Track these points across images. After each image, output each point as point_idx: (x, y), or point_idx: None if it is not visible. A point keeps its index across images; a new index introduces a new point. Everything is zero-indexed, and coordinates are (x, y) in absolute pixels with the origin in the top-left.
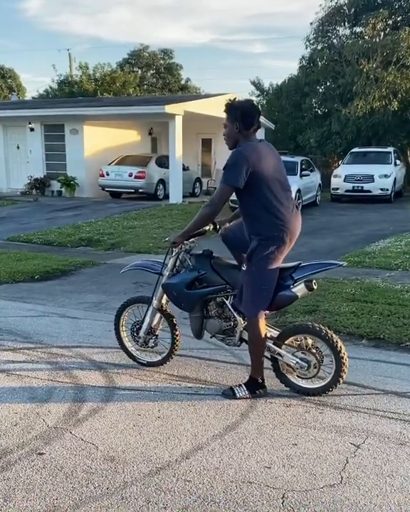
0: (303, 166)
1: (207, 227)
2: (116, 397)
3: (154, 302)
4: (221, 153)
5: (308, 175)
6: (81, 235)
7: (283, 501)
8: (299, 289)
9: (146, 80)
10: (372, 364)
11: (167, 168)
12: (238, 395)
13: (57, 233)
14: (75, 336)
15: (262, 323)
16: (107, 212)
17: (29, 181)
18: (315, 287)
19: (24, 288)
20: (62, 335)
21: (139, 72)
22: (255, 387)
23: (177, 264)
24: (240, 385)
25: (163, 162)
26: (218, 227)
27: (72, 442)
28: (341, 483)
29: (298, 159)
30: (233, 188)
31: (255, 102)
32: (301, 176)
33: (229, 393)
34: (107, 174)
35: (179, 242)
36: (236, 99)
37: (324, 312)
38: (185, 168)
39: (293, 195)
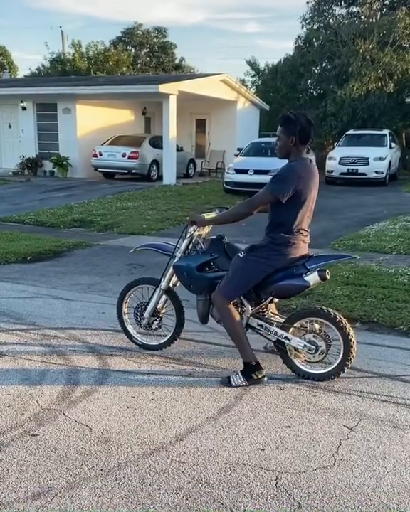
0: None
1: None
2: (110, 380)
3: (163, 283)
4: (215, 134)
5: None
6: (74, 216)
7: (277, 483)
8: (311, 278)
9: (140, 59)
10: (366, 347)
11: (161, 148)
12: (233, 383)
13: (49, 214)
14: (68, 318)
15: (231, 307)
16: (100, 193)
17: (21, 161)
18: (328, 277)
19: (16, 269)
20: (55, 316)
21: (133, 50)
22: (250, 371)
23: (190, 247)
24: (236, 373)
25: (157, 143)
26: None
27: (66, 424)
28: (334, 465)
29: None
30: (276, 199)
31: (310, 118)
32: None
33: (226, 381)
34: (100, 154)
35: (199, 224)
36: (292, 112)
37: (318, 295)
38: (179, 149)
39: None
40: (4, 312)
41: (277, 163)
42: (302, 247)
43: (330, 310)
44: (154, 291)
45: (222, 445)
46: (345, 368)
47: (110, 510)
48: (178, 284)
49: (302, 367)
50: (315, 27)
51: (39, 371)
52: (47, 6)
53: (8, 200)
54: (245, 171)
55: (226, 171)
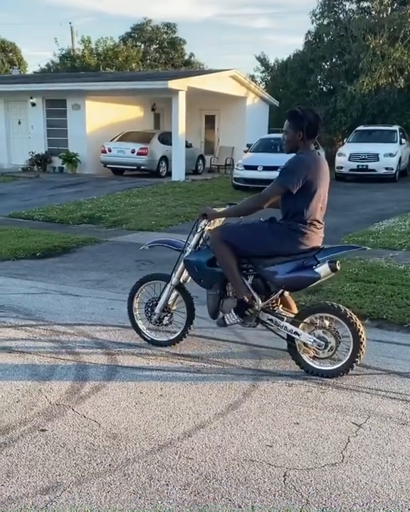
0: None
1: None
2: (118, 375)
3: (174, 279)
4: (225, 130)
5: None
6: (83, 212)
7: (285, 479)
8: (322, 269)
9: (149, 55)
10: (375, 344)
11: (170, 144)
12: (227, 321)
13: (58, 210)
14: (77, 314)
15: (225, 244)
16: (109, 189)
17: (30, 157)
18: (339, 268)
19: (26, 265)
20: (64, 312)
21: (142, 46)
22: (243, 308)
23: (200, 242)
24: (229, 312)
25: (166, 139)
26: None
27: (75, 419)
28: (342, 462)
29: None
30: (286, 190)
31: (317, 113)
32: None
33: (221, 322)
34: (109, 150)
35: (210, 216)
36: (300, 108)
37: (327, 292)
38: (188, 145)
39: None
40: (14, 308)
41: (287, 159)
42: (314, 238)
43: (341, 306)
44: (165, 286)
45: (230, 441)
46: (354, 365)
47: (118, 506)
48: (188, 280)
49: (310, 363)
50: (325, 22)
51: (48, 367)
52: (57, 2)
53: (18, 197)
54: (254, 168)
55: (235, 167)
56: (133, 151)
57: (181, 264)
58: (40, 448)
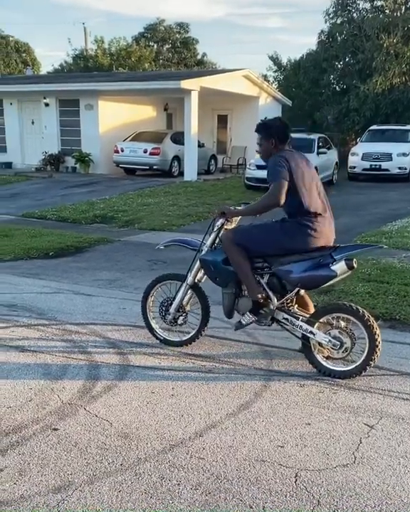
0: (320, 144)
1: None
2: (130, 375)
3: (189, 278)
4: (237, 130)
5: (325, 153)
6: (95, 212)
7: (296, 480)
8: (338, 267)
9: (162, 55)
10: (387, 345)
11: (182, 144)
12: (244, 322)
13: (71, 210)
14: (89, 313)
15: (237, 247)
16: (121, 189)
17: (44, 157)
18: (355, 265)
19: (38, 264)
20: (77, 312)
21: (155, 46)
22: (257, 308)
23: (217, 241)
24: (244, 313)
25: (178, 138)
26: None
27: (87, 418)
28: (354, 463)
29: (315, 137)
30: (284, 183)
31: (283, 120)
32: (318, 153)
33: (238, 325)
34: (122, 150)
35: (228, 214)
36: (266, 119)
37: (340, 292)
38: (200, 145)
39: None
40: (27, 307)
41: None
42: (325, 232)
43: (358, 307)
44: (180, 286)
45: (241, 442)
46: (368, 367)
47: (130, 505)
48: (203, 280)
49: (324, 363)
50: (339, 21)
51: (60, 366)
52: (71, 2)
53: (31, 196)
54: (266, 167)
55: (248, 166)
56: (145, 151)
57: (197, 263)
58: (52, 447)
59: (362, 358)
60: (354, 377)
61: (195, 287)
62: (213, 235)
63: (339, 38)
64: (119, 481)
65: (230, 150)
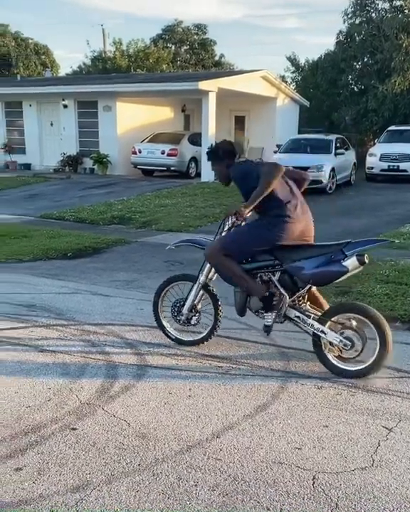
0: (338, 145)
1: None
2: (147, 375)
3: (201, 278)
4: (254, 131)
5: (343, 153)
6: (113, 213)
7: (314, 483)
8: (350, 263)
9: (180, 56)
10: (406, 347)
11: (200, 145)
12: (268, 323)
13: (89, 211)
14: (107, 314)
15: (224, 258)
16: (139, 190)
17: (62, 158)
18: (367, 261)
19: (57, 265)
20: (95, 312)
21: (173, 47)
22: (269, 302)
23: None
24: (260, 313)
25: (195, 140)
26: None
27: (105, 418)
28: (372, 466)
29: (333, 137)
30: (260, 180)
31: (228, 140)
32: (336, 154)
33: (266, 329)
34: (140, 152)
35: (242, 213)
36: (212, 145)
37: (358, 294)
38: None
39: (327, 175)
40: (45, 307)
41: (317, 160)
42: (298, 216)
43: (370, 307)
44: (192, 286)
45: (259, 443)
46: (379, 367)
47: (148, 505)
48: (214, 278)
49: (335, 363)
50: (357, 21)
51: (79, 366)
52: (89, 4)
53: (49, 197)
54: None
55: None
56: (163, 152)
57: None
58: (70, 446)
59: (373, 359)
60: (364, 377)
61: (206, 287)
62: (224, 235)
63: (357, 38)
64: (137, 481)
65: (248, 151)
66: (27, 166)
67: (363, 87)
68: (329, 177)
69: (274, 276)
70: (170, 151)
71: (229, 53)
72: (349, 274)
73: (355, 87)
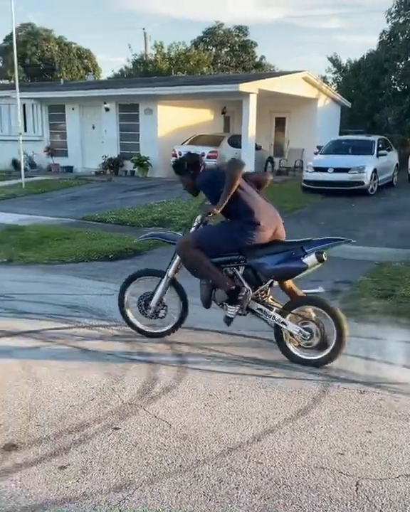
0: (380, 146)
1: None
2: (188, 377)
3: (170, 272)
4: (295, 132)
5: (385, 154)
6: (153, 215)
7: (357, 489)
8: (309, 260)
9: (221, 58)
10: None
11: (239, 147)
12: (230, 316)
13: (130, 213)
14: None
15: (195, 250)
16: (178, 193)
17: (103, 161)
18: (326, 259)
19: (99, 266)
20: None
21: (214, 50)
22: (235, 296)
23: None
24: (224, 306)
25: (235, 142)
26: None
27: (146, 419)
28: None
29: (375, 138)
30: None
31: (190, 151)
32: (378, 155)
33: (227, 321)
34: (180, 154)
35: (214, 210)
36: (176, 159)
37: (401, 297)
38: (257, 148)
39: (369, 176)
40: (87, 308)
41: (358, 161)
42: (272, 225)
43: (328, 301)
44: (161, 280)
45: (300, 447)
46: (336, 356)
47: (189, 507)
48: (179, 270)
49: (296, 352)
50: (401, 21)
51: (120, 366)
52: (131, 7)
53: (91, 200)
54: (324, 169)
55: (305, 169)
56: (203, 155)
57: (177, 257)
58: (113, 446)
59: (330, 348)
60: (325, 365)
61: (174, 281)
62: (193, 230)
63: (401, 38)
64: (179, 482)
65: (288, 152)
66: (69, 169)
67: (406, 87)
68: (371, 178)
69: (239, 270)
70: (210, 154)
71: (270, 55)
72: (308, 271)
73: (398, 88)
